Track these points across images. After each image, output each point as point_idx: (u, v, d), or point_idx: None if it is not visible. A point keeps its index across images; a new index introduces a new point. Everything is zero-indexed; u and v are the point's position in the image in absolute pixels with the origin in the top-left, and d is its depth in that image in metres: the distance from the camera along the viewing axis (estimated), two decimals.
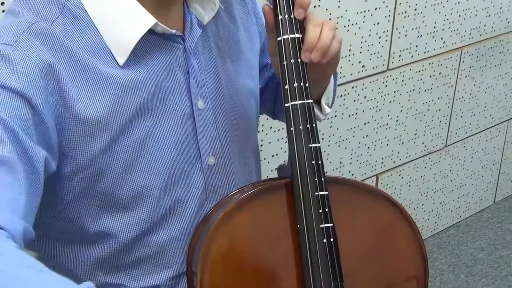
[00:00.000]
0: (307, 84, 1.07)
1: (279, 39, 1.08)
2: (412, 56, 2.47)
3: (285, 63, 1.07)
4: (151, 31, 1.04)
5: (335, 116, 2.31)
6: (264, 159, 2.11)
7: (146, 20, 1.03)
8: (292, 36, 1.07)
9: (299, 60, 1.07)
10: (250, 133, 1.25)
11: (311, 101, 1.08)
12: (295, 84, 1.07)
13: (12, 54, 0.95)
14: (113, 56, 1.03)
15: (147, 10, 1.04)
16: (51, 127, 0.98)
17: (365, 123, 2.43)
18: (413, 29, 2.42)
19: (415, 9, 2.40)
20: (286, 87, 1.07)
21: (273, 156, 2.17)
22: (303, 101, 1.07)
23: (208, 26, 1.15)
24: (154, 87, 1.07)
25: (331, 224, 1.06)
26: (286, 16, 1.07)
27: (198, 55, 1.13)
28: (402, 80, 2.48)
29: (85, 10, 1.02)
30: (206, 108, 1.14)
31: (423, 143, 2.69)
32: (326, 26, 1.08)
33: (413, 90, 2.54)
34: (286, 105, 1.07)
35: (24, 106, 0.93)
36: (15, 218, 0.86)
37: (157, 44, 1.07)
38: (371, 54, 2.33)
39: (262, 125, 2.10)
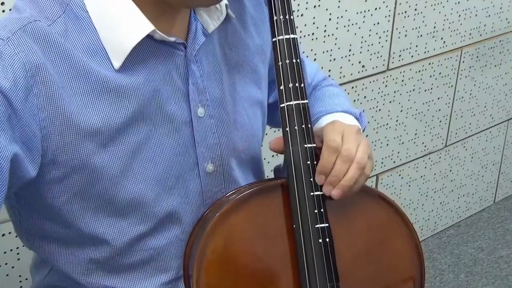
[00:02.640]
0: (302, 85, 1.07)
1: (274, 39, 1.08)
2: (412, 56, 2.48)
3: (280, 63, 1.07)
4: (150, 37, 1.04)
5: None
6: (264, 159, 2.11)
7: (144, 27, 1.03)
8: (287, 36, 1.07)
9: (294, 60, 1.07)
10: (253, 142, 1.24)
11: (306, 101, 1.08)
12: (290, 85, 1.07)
13: (2, 49, 0.95)
14: (109, 59, 1.03)
15: (148, 16, 1.03)
16: (32, 129, 0.97)
17: None
18: (413, 29, 2.42)
19: (415, 9, 2.40)
20: (281, 87, 1.07)
21: (272, 156, 2.17)
22: (298, 102, 1.07)
23: (215, 34, 1.14)
24: (150, 93, 1.06)
25: (327, 224, 1.07)
26: (281, 16, 1.07)
27: (201, 62, 1.12)
28: (402, 80, 2.48)
29: (87, 11, 1.02)
30: (206, 116, 1.13)
31: (423, 143, 2.69)
32: (355, 165, 1.07)
33: (413, 90, 2.54)
34: (281, 105, 1.07)
35: (2, 102, 0.93)
36: None
37: (155, 50, 1.06)
38: (371, 54, 2.33)
39: None
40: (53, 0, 1.02)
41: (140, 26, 1.03)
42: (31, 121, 0.97)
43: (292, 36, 1.08)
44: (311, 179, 1.06)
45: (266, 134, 2.11)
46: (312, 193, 1.06)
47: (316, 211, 1.06)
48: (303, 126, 1.07)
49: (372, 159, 1.13)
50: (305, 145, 1.07)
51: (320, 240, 1.06)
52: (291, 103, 1.07)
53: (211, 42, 1.14)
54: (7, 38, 0.96)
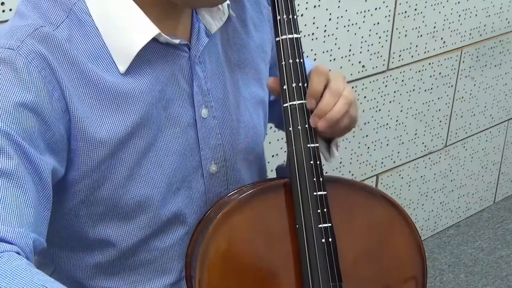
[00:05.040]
0: (305, 84, 1.07)
1: (277, 39, 1.07)
2: (412, 56, 2.48)
3: (283, 63, 1.07)
4: (154, 40, 1.04)
5: None
6: None
7: (149, 30, 1.02)
8: (291, 36, 1.07)
9: (297, 60, 1.07)
10: (256, 142, 1.24)
11: None
12: (293, 84, 1.07)
13: (15, 60, 0.95)
14: (115, 64, 1.02)
15: (152, 19, 1.03)
16: (60, 133, 0.98)
17: (365, 123, 2.43)
18: (413, 29, 2.42)
19: (415, 9, 2.40)
20: (284, 87, 1.07)
21: (273, 156, 2.17)
22: (302, 101, 1.07)
23: (217, 34, 1.14)
24: (156, 96, 1.06)
25: (330, 224, 1.06)
26: (285, 16, 1.07)
27: (204, 63, 1.12)
28: (402, 80, 2.48)
29: (90, 15, 1.02)
30: (210, 117, 1.13)
31: (423, 143, 2.69)
32: (343, 100, 1.07)
33: (413, 90, 2.54)
34: (284, 105, 1.07)
35: (30, 116, 0.93)
36: (24, 231, 0.87)
37: (160, 52, 1.06)
38: (371, 54, 2.33)
39: None
40: (56, 5, 1.01)
41: (145, 29, 1.02)
42: (59, 124, 0.98)
43: (295, 35, 1.07)
44: (314, 179, 1.06)
45: (266, 134, 2.11)
46: (315, 193, 1.06)
47: (319, 211, 1.06)
48: (306, 125, 1.07)
49: (356, 106, 1.13)
50: (308, 145, 1.07)
51: (323, 240, 1.06)
52: (294, 102, 1.07)
53: (213, 43, 1.14)
54: (17, 47, 0.96)
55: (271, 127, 2.12)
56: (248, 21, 1.20)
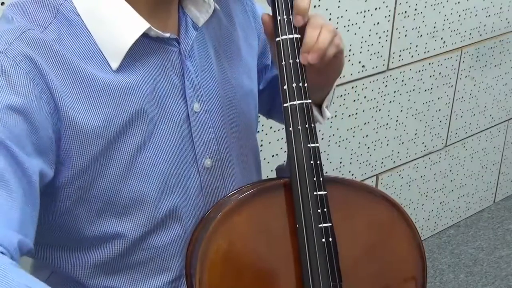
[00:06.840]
0: (305, 84, 1.07)
1: (277, 39, 1.08)
2: (412, 56, 2.48)
3: (283, 63, 1.07)
4: (144, 35, 1.04)
5: (335, 116, 2.32)
6: (264, 159, 2.12)
7: (139, 25, 1.03)
8: (291, 36, 1.07)
9: (297, 60, 1.07)
10: (249, 134, 1.25)
11: (310, 101, 1.08)
12: (294, 84, 1.07)
13: (3, 63, 0.95)
14: (107, 61, 1.03)
15: (141, 14, 1.03)
16: (48, 136, 0.98)
17: (365, 123, 2.43)
18: (413, 29, 2.42)
19: (415, 9, 2.40)
20: (285, 87, 1.07)
21: (273, 156, 2.17)
22: (302, 101, 1.07)
23: (204, 28, 1.15)
24: (149, 91, 1.07)
25: (330, 224, 1.07)
26: (285, 16, 1.07)
27: (194, 57, 1.13)
28: (402, 80, 2.49)
29: (79, 15, 1.02)
30: (202, 111, 1.14)
31: (423, 143, 2.69)
32: (325, 29, 1.08)
33: (413, 90, 2.54)
34: (284, 105, 1.07)
35: (18, 119, 0.93)
36: (9, 232, 0.86)
37: (151, 47, 1.07)
38: (371, 54, 2.33)
39: (262, 125, 2.10)
40: (42, 6, 1.01)
41: (135, 24, 1.03)
42: (47, 127, 0.97)
43: (295, 36, 1.08)
44: (314, 179, 1.06)
45: (266, 134, 2.11)
46: (315, 193, 1.06)
47: (319, 210, 1.06)
48: (306, 125, 1.07)
49: (340, 38, 1.13)
50: (309, 145, 1.07)
51: (323, 240, 1.06)
52: (294, 102, 1.07)
53: (202, 37, 1.15)
54: (4, 50, 0.96)
55: (271, 127, 2.12)
56: (233, 14, 1.22)
